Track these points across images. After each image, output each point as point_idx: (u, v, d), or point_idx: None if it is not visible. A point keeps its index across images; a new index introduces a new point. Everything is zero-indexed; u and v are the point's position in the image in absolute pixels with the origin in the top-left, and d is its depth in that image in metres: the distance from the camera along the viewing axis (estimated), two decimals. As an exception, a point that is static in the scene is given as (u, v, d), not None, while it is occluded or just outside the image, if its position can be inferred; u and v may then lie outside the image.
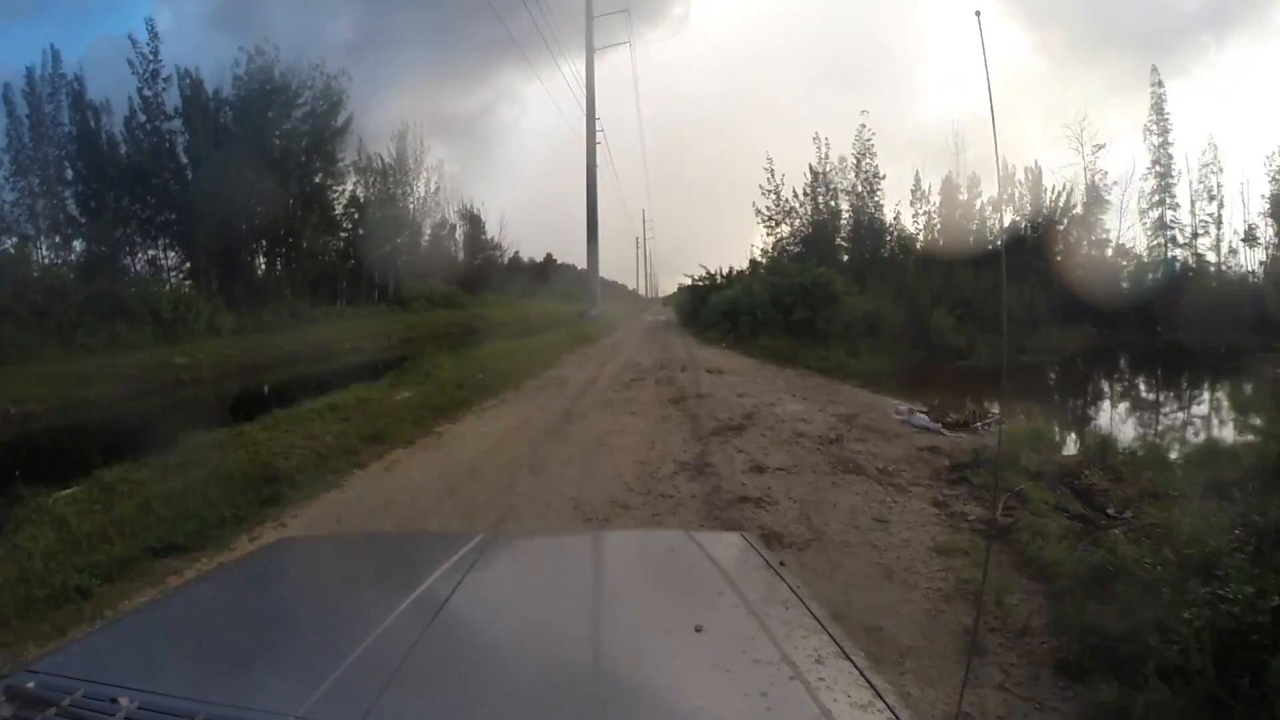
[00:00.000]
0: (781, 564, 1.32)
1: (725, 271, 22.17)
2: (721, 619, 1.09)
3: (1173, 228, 19.84)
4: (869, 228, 18.94)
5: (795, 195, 18.75)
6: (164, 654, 1.12)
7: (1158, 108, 20.55)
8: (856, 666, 0.91)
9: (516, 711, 0.87)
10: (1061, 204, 18.56)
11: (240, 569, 1.51)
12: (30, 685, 0.87)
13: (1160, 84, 20.55)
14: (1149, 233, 19.88)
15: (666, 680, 0.95)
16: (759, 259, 19.55)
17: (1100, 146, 19.82)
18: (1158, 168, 20.27)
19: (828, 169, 18.85)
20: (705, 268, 22.76)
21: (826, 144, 19.27)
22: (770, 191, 18.29)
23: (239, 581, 1.43)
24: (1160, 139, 20.36)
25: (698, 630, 1.03)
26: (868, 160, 19.14)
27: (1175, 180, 20.01)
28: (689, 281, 24.50)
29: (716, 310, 18.50)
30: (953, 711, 2.26)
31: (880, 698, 0.84)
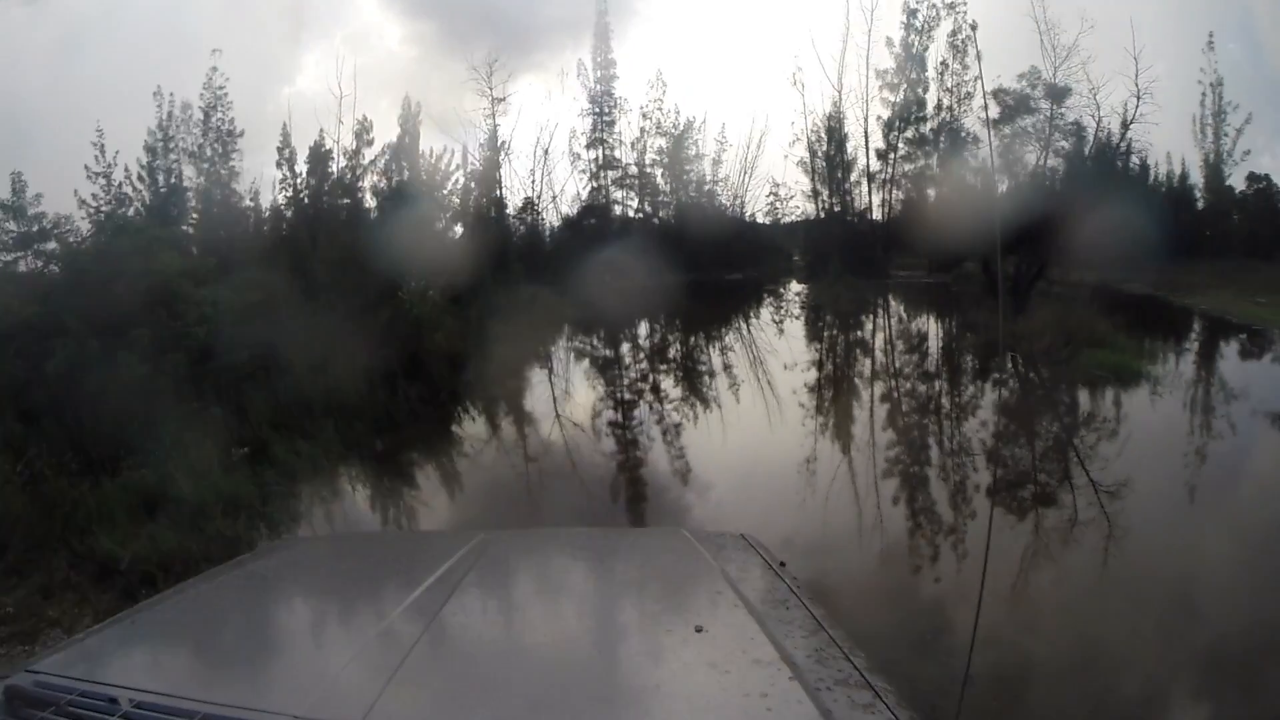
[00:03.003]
0: (782, 564, 1.31)
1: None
2: (721, 619, 1.08)
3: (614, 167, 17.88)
4: (224, 201, 13.13)
5: (129, 176, 12.11)
6: (163, 654, 1.12)
7: (602, 36, 17.77)
8: (856, 667, 0.91)
9: (516, 711, 0.87)
10: (444, 167, 13.20)
11: (240, 569, 1.51)
12: (30, 686, 0.87)
13: (606, 12, 18.03)
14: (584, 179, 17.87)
15: (666, 680, 0.94)
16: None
17: (501, 99, 16.74)
18: (594, 107, 18.05)
19: (169, 133, 13.15)
20: None
21: (170, 100, 12.98)
22: (99, 175, 11.58)
23: (239, 581, 1.43)
24: (602, 72, 17.82)
25: (698, 630, 1.03)
26: (221, 113, 13.47)
27: (615, 119, 17.91)
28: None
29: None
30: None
31: (880, 699, 0.84)
